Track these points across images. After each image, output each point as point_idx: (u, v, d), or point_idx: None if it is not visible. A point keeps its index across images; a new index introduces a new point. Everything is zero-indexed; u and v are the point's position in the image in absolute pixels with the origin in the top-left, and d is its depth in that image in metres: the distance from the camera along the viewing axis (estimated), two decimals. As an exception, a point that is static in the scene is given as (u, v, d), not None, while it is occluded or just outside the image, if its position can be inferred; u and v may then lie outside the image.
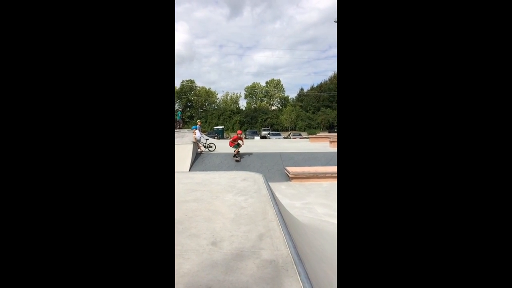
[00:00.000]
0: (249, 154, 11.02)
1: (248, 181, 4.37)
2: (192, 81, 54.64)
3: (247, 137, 33.06)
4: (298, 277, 1.65)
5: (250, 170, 7.79)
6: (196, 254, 1.94)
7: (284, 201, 5.90)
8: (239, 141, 10.26)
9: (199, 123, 14.36)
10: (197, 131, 12.20)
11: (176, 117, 16.26)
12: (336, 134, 16.30)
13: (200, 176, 4.85)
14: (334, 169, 9.07)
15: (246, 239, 2.20)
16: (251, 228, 2.42)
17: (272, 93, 55.13)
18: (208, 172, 5.90)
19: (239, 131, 10.90)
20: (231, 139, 10.51)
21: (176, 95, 51.87)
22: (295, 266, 1.78)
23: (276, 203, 3.18)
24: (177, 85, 53.01)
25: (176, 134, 11.85)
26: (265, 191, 3.71)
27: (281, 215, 2.73)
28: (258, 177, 4.58)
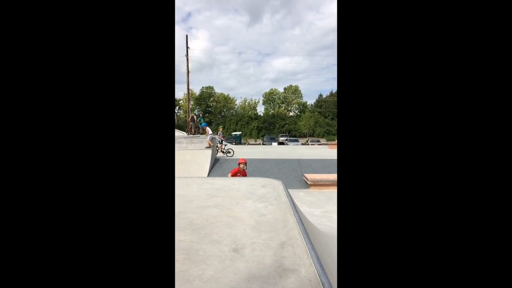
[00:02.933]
0: (267, 160, 11.01)
1: (267, 187, 4.35)
2: (211, 88, 55.92)
3: (264, 143, 32.95)
4: (322, 288, 1.62)
5: (268, 177, 7.77)
6: (218, 260, 1.95)
7: (302, 208, 5.82)
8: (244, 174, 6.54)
9: (220, 130, 14.66)
10: (208, 128, 12.56)
11: (199, 124, 16.64)
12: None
13: (219, 181, 4.90)
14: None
15: (267, 246, 2.19)
16: (272, 236, 2.41)
17: (290, 99, 55.10)
18: (227, 177, 5.95)
19: (242, 159, 6.76)
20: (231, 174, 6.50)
21: (195, 101, 53.20)
22: (318, 277, 1.74)
23: (296, 211, 3.14)
24: (197, 91, 54.44)
25: (196, 140, 12.12)
26: (285, 198, 3.68)
27: (302, 224, 2.70)
28: (278, 184, 4.56)
